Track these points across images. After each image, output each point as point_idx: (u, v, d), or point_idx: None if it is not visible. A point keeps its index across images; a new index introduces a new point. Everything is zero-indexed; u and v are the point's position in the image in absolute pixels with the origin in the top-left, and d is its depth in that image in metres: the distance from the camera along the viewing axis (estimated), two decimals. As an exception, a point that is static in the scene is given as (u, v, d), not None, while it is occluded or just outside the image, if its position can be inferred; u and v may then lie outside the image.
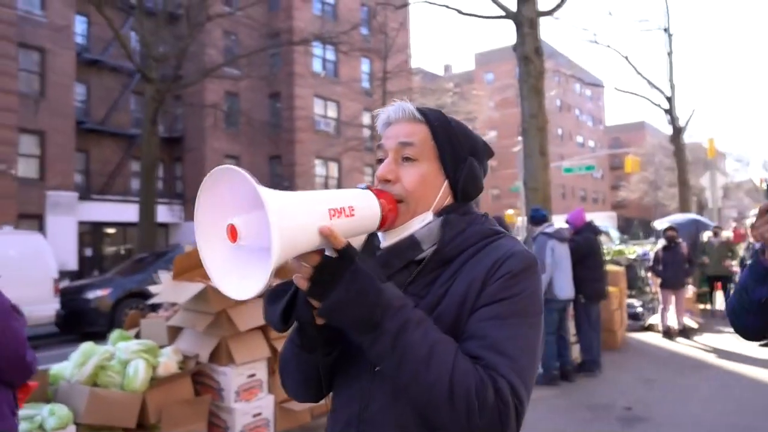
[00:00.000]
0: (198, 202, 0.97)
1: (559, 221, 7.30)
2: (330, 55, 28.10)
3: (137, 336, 4.43)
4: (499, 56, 48.57)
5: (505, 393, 0.98)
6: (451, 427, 0.99)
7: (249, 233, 0.92)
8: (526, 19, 10.93)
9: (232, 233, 0.92)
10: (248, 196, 0.89)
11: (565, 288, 6.35)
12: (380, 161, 1.23)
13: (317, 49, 27.10)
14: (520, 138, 11.75)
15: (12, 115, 17.42)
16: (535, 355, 1.08)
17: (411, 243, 1.16)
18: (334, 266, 0.98)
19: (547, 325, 6.36)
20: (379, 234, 1.21)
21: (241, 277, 0.94)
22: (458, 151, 1.21)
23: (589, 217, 7.48)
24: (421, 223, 1.17)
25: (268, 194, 0.88)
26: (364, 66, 29.62)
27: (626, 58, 22.80)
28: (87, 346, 3.93)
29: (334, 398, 1.23)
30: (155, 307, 5.04)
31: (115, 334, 4.34)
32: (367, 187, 1.16)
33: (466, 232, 1.17)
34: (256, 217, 0.91)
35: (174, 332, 4.34)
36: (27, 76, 19.43)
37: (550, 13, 11.94)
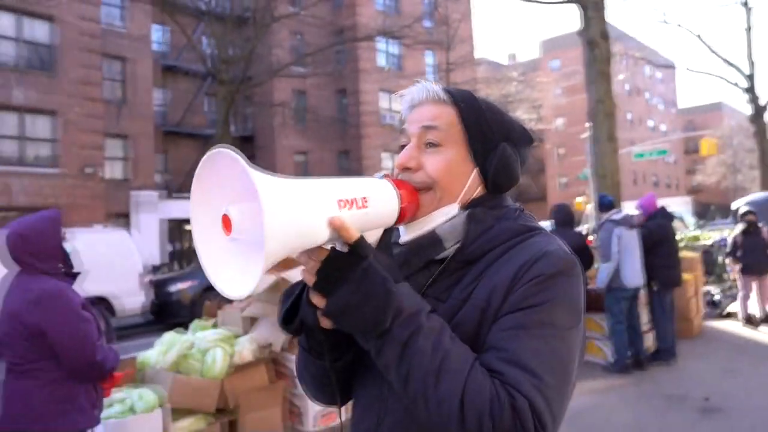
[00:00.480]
0: (193, 189, 0.88)
1: (630, 208, 7.15)
2: (394, 49, 28.24)
3: (215, 326, 4.68)
4: (566, 42, 47.25)
5: (525, 414, 0.85)
6: None
7: (244, 224, 0.83)
8: (590, 3, 10.70)
9: (226, 224, 0.84)
10: (246, 182, 0.79)
11: (633, 276, 6.21)
12: (403, 147, 1.10)
13: (381, 43, 27.30)
14: (588, 124, 11.51)
15: (98, 121, 18.69)
16: (566, 373, 0.92)
17: (432, 240, 1.04)
18: (344, 262, 0.88)
19: (616, 314, 6.26)
20: (399, 227, 1.08)
21: (241, 273, 0.84)
22: (488, 136, 1.07)
23: (664, 202, 7.29)
24: (444, 216, 1.05)
25: (262, 180, 0.79)
26: (429, 58, 29.57)
27: (698, 36, 21.83)
28: (169, 335, 4.23)
29: (354, 407, 1.13)
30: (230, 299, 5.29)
31: (195, 323, 4.62)
32: (385, 176, 1.05)
33: (493, 229, 1.03)
34: (252, 207, 0.80)
35: (249, 322, 4.54)
36: (110, 84, 20.69)
37: (617, -6, 11.60)
